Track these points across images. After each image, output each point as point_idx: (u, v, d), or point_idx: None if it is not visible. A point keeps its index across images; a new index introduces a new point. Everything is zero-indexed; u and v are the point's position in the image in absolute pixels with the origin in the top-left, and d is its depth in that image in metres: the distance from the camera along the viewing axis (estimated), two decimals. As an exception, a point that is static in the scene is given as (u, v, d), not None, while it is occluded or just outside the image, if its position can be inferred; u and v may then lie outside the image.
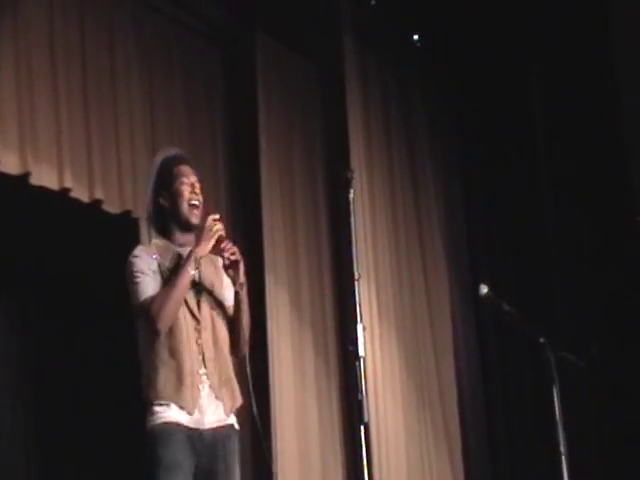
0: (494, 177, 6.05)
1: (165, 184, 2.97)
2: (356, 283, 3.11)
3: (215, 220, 2.88)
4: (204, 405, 2.81)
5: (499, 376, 5.86)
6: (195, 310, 2.86)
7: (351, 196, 3.24)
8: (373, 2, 5.42)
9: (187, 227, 2.95)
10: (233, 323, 2.93)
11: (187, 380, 2.79)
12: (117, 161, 4.21)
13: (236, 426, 2.90)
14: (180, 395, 2.78)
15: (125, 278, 2.89)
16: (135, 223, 4.24)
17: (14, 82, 3.78)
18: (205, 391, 2.82)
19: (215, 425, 2.83)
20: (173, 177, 2.96)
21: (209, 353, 2.83)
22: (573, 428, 3.55)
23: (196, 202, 2.94)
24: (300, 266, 4.95)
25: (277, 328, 4.67)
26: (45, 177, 3.83)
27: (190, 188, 2.95)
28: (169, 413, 2.78)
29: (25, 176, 3.78)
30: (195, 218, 2.94)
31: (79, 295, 4.66)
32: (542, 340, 3.48)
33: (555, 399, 3.39)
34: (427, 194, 5.76)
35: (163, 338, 2.80)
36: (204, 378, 2.82)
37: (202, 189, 2.98)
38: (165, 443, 2.74)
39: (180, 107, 4.61)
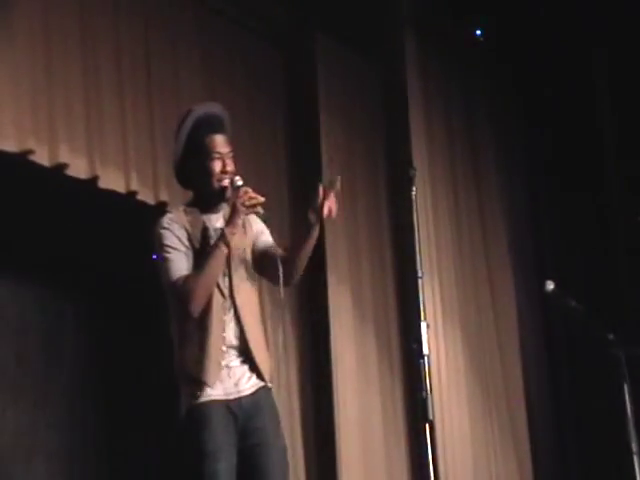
0: (559, 173, 5.97)
1: (195, 153, 2.80)
2: (419, 281, 3.09)
3: (245, 193, 2.71)
4: (237, 376, 2.72)
5: (567, 374, 5.80)
6: (222, 284, 2.74)
7: (413, 194, 3.22)
8: (434, -1, 5.39)
9: (218, 202, 2.81)
10: (289, 254, 2.75)
11: (217, 357, 2.68)
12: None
13: (269, 385, 2.79)
14: (212, 373, 2.68)
15: (153, 249, 2.76)
16: None
17: (82, 89, 3.88)
18: (237, 364, 2.73)
19: (250, 391, 2.73)
20: (204, 149, 2.78)
21: (239, 327, 2.73)
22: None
23: (226, 183, 2.78)
24: (362, 265, 4.96)
25: (340, 328, 4.68)
26: (112, 180, 3.91)
27: (221, 164, 2.78)
28: (207, 391, 2.68)
29: (93, 180, 3.86)
30: (224, 197, 2.79)
31: (144, 297, 4.69)
32: (611, 337, 3.42)
33: (626, 397, 3.34)
34: (490, 191, 5.73)
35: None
36: (234, 352, 2.73)
37: (234, 158, 2.81)
38: (205, 426, 2.64)
39: (242, 109, 4.64)
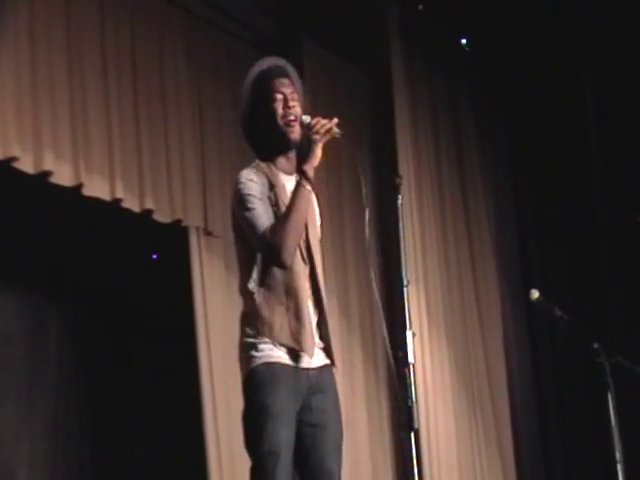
0: (544, 180, 6.00)
1: (258, 101, 2.68)
2: (405, 289, 3.08)
3: (317, 122, 2.58)
4: (315, 347, 2.62)
5: (552, 382, 5.82)
6: (302, 246, 2.62)
7: (399, 202, 3.19)
8: (421, 7, 5.41)
9: (287, 147, 2.66)
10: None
11: (307, 324, 2.58)
12: (167, 171, 4.27)
13: (336, 365, 2.73)
14: (300, 338, 2.56)
15: (235, 205, 2.60)
16: (185, 231, 4.30)
17: (67, 96, 3.87)
18: (317, 335, 2.63)
19: (319, 365, 2.64)
20: (267, 93, 2.67)
21: (318, 295, 2.63)
22: (629, 435, 3.49)
23: (292, 117, 2.63)
24: (348, 272, 4.98)
25: (326, 335, 4.68)
26: (97, 188, 3.91)
27: (283, 103, 2.65)
28: (278, 353, 2.56)
29: (78, 187, 3.85)
30: (294, 134, 2.63)
31: (128, 307, 4.73)
32: (596, 345, 3.43)
33: (610, 405, 3.34)
34: (476, 199, 5.76)
35: (279, 274, 2.56)
36: (315, 321, 2.63)
37: (300, 101, 2.67)
38: (271, 387, 2.50)
39: (229, 116, 4.61)
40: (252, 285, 2.60)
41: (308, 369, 2.61)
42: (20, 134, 3.64)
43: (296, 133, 2.65)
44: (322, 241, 4.79)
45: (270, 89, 2.69)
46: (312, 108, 4.85)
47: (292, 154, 2.69)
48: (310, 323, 2.60)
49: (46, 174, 3.74)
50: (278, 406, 2.50)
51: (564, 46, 5.57)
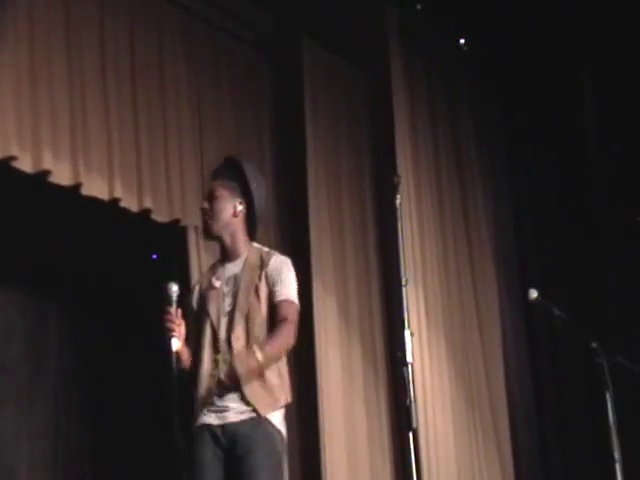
0: (543, 179, 5.99)
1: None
2: (403, 289, 3.08)
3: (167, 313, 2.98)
4: (226, 409, 2.96)
5: (550, 381, 5.79)
6: (215, 324, 3.02)
7: (398, 201, 3.19)
8: (419, 7, 5.40)
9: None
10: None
11: (203, 407, 2.99)
12: (166, 170, 4.27)
13: (265, 416, 2.98)
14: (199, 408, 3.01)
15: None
16: (183, 231, 4.30)
17: (67, 95, 3.87)
18: (224, 401, 2.97)
19: (238, 420, 2.96)
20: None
21: (230, 372, 2.96)
22: (627, 434, 3.49)
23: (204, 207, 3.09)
24: (347, 272, 4.97)
25: (325, 334, 4.69)
26: (96, 188, 3.91)
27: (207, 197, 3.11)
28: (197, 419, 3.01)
29: (77, 187, 3.85)
30: (205, 228, 3.12)
31: (127, 307, 4.72)
32: (594, 345, 3.42)
33: (609, 405, 3.34)
34: (475, 198, 5.71)
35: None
36: (223, 399, 2.97)
37: (214, 196, 3.08)
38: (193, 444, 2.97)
39: (228, 115, 4.65)
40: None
41: (223, 425, 3.00)
42: (19, 133, 3.65)
43: (207, 226, 3.12)
44: (322, 242, 4.84)
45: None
46: (311, 108, 4.91)
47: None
48: (209, 403, 3.01)
49: (45, 173, 3.74)
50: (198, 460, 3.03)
51: (564, 46, 5.56)
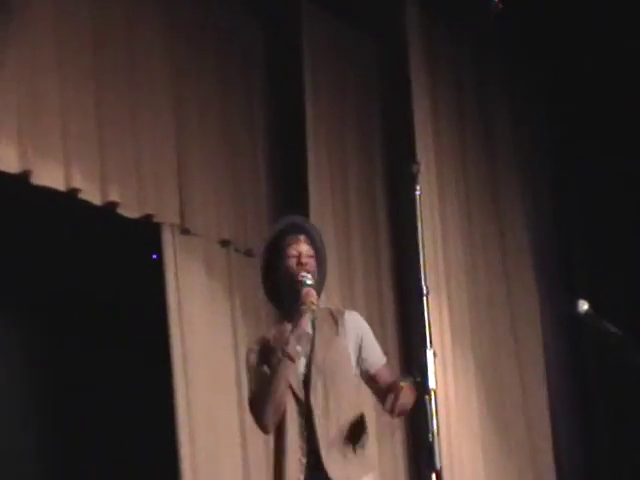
0: (594, 170, 5.94)
1: (275, 260, 3.29)
2: (424, 300, 3.03)
3: (307, 294, 3.15)
4: None
5: (602, 412, 5.80)
6: (300, 393, 3.15)
7: (417, 194, 3.18)
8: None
9: (295, 304, 3.22)
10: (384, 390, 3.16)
11: (295, 470, 3.11)
12: (136, 157, 4.26)
13: None
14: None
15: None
16: (157, 228, 4.33)
17: (15, 63, 3.81)
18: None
19: None
20: (282, 251, 3.26)
21: (321, 441, 3.11)
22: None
23: (300, 277, 3.22)
24: (355, 279, 4.99)
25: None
26: (49, 176, 3.88)
27: (297, 260, 3.24)
28: None
29: (25, 175, 3.82)
30: (298, 294, 3.20)
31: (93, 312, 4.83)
32: (656, 367, 3.36)
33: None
34: (510, 191, 5.73)
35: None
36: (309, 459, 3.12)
37: (317, 257, 3.29)
38: None
39: (213, 90, 4.66)
40: None
41: None
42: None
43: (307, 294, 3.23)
44: (325, 245, 4.78)
45: (285, 247, 3.27)
46: (311, 84, 4.88)
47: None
48: (294, 468, 3.11)
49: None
50: None
51: (613, 14, 5.48)
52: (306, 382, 3.16)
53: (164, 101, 4.41)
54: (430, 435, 2.87)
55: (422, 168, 3.45)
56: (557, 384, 5.67)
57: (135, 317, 4.68)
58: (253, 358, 3.21)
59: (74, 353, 4.78)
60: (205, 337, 4.41)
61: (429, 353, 2.95)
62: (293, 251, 3.23)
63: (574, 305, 3.58)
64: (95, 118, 4.10)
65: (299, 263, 3.22)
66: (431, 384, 2.90)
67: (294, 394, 3.15)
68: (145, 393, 4.63)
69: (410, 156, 4.82)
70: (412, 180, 3.21)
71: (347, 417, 3.14)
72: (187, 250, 4.41)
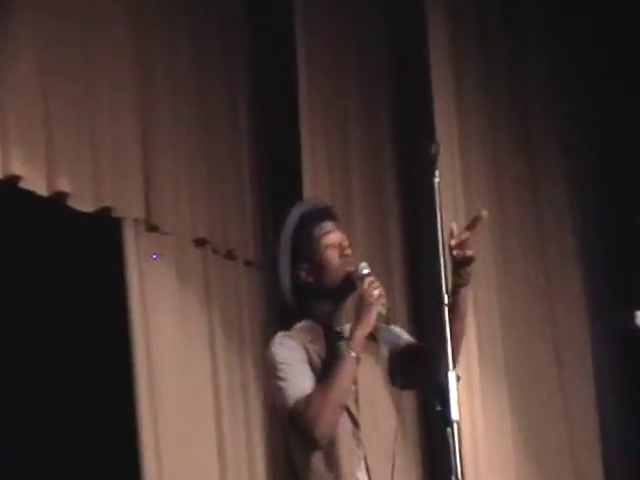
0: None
1: (304, 254, 3.22)
2: (445, 310, 3.00)
3: (371, 283, 3.13)
4: None
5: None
6: (353, 408, 3.14)
7: (436, 180, 3.14)
8: None
9: (342, 298, 3.24)
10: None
11: None
12: (91, 139, 4.27)
13: None
14: None
15: (265, 373, 3.29)
16: (116, 224, 4.36)
17: None
18: None
19: None
20: (315, 242, 3.21)
21: (373, 460, 3.13)
22: None
23: (351, 268, 3.18)
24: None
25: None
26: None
27: (339, 251, 3.20)
28: None
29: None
30: (353, 286, 3.19)
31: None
32: None
33: None
34: (551, 180, 5.72)
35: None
36: None
37: (351, 244, 3.25)
38: None
39: (184, 54, 4.70)
40: (294, 459, 3.17)
41: None
42: None
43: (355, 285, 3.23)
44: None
45: (318, 234, 3.24)
46: (304, 44, 4.85)
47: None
48: None
49: None
50: None
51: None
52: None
53: (126, 75, 4.44)
54: (453, 477, 2.82)
55: (442, 149, 3.44)
56: (611, 416, 5.65)
57: (93, 332, 4.68)
58: (286, 354, 3.13)
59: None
60: (176, 355, 4.43)
61: (452, 376, 2.94)
62: (332, 240, 3.19)
63: (631, 318, 3.57)
64: (40, 93, 4.10)
65: (343, 255, 3.18)
66: (454, 414, 2.86)
67: (348, 412, 3.12)
68: (105, 426, 4.65)
69: (427, 135, 4.85)
70: (430, 164, 3.20)
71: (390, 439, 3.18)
72: (154, 251, 4.43)
